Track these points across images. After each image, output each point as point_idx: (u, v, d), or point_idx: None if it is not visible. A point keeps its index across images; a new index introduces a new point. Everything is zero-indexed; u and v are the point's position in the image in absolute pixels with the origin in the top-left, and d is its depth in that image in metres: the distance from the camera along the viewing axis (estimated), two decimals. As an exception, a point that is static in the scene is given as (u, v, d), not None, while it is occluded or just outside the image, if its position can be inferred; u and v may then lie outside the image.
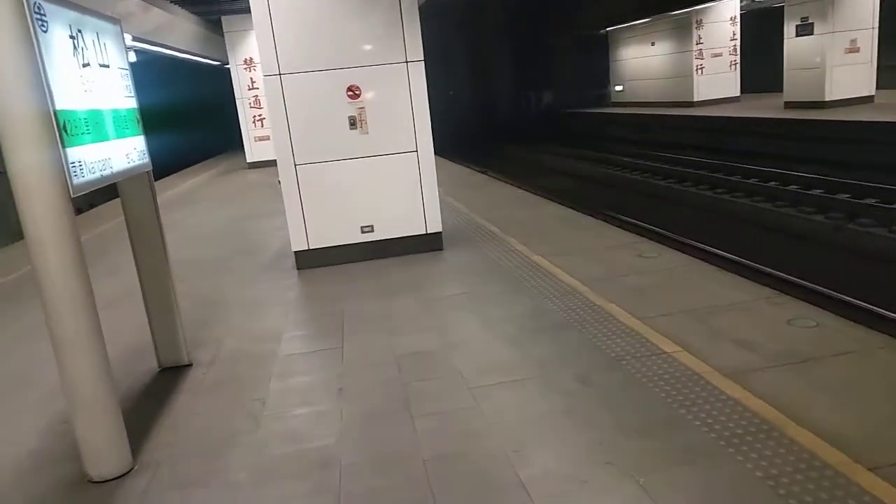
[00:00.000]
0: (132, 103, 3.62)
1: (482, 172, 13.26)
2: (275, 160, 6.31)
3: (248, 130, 16.98)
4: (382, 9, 6.00)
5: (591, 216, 8.01)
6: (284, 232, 6.75)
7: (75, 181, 2.75)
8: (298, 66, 5.96)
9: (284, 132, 6.03)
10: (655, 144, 17.63)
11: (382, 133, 6.19)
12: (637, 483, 2.60)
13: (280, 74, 5.92)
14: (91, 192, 2.97)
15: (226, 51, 16.51)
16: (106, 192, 3.30)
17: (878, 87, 16.44)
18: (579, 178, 15.55)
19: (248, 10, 5.99)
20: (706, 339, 3.90)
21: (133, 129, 3.58)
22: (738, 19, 21.30)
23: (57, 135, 2.66)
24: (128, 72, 3.60)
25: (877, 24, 15.90)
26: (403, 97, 6.16)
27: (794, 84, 16.77)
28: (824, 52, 15.86)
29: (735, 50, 21.47)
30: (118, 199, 3.99)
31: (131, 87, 3.62)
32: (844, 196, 9.83)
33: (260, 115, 16.70)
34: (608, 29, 25.91)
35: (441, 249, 6.55)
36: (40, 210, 2.68)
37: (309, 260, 6.33)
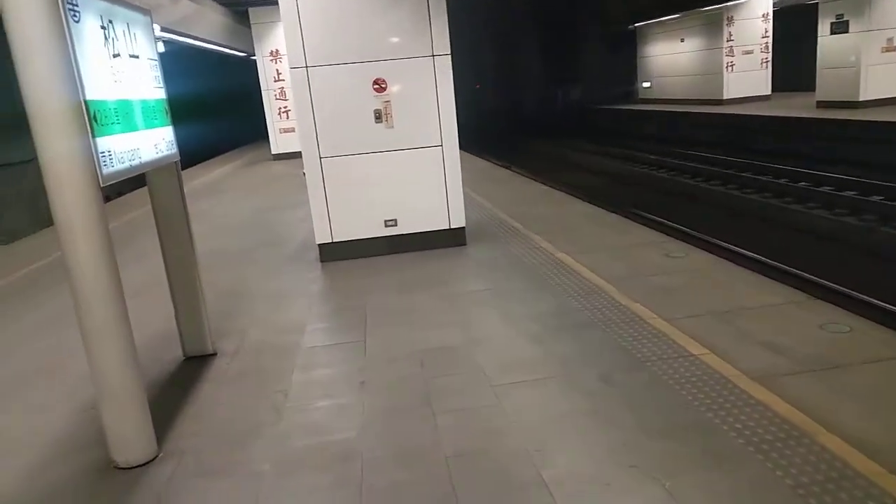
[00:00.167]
0: (161, 94, 3.65)
1: (505, 167, 13.19)
2: (299, 152, 6.33)
3: (273, 122, 17.10)
4: (410, 2, 5.97)
5: (617, 214, 7.91)
6: (308, 224, 6.78)
7: (105, 171, 2.78)
8: (325, 59, 5.96)
9: (310, 125, 6.05)
10: (684, 142, 17.38)
11: (408, 127, 6.17)
12: (662, 486, 2.55)
13: (307, 67, 5.93)
14: (119, 181, 2.99)
15: (252, 42, 16.61)
16: (133, 180, 3.32)
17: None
18: (606, 175, 15.40)
19: (275, 2, 6.01)
20: (734, 342, 3.82)
21: (162, 120, 3.60)
22: (770, 16, 20.88)
23: (87, 125, 2.68)
24: (157, 62, 3.62)
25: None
26: (429, 91, 6.14)
27: (827, 83, 16.39)
28: (859, 50, 15.48)
29: (766, 47, 21.05)
30: (145, 188, 4.02)
31: (160, 78, 3.65)
32: (878, 198, 9.61)
33: (285, 107, 16.80)
34: (637, 24, 25.58)
35: (464, 245, 6.53)
36: (71, 199, 2.70)
37: (332, 253, 6.35)
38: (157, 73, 3.61)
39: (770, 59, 21.12)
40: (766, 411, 3.02)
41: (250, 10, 15.97)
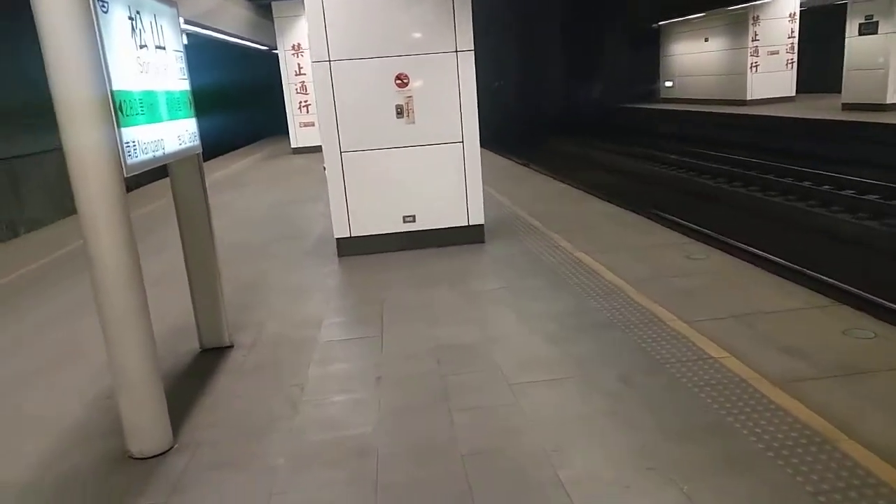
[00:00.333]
0: (185, 85, 3.66)
1: (524, 165, 13.13)
2: (319, 146, 6.34)
3: (293, 116, 17.14)
4: (434, -3, 5.95)
5: (637, 213, 7.84)
6: (327, 218, 6.79)
7: (129, 161, 2.79)
8: (348, 53, 5.95)
9: (331, 119, 6.05)
10: (706, 142, 17.19)
11: (429, 123, 6.15)
12: (680, 490, 2.52)
13: (329, 61, 5.93)
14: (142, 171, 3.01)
15: (275, 36, 16.67)
16: (154, 172, 3.33)
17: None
18: (626, 174, 15.28)
19: (299, -3, 6.01)
20: (755, 346, 3.76)
21: (185, 112, 3.62)
22: (797, 16, 20.56)
23: (113, 115, 2.69)
24: (182, 54, 3.63)
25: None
26: (452, 87, 6.11)
27: (854, 85, 16.13)
28: (889, 52, 15.21)
29: (792, 48, 20.73)
30: (165, 180, 4.04)
31: (185, 70, 3.66)
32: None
33: (306, 101, 16.85)
34: (661, 23, 25.33)
35: (482, 242, 6.50)
36: (94, 188, 2.72)
37: (350, 247, 6.35)
38: (183, 64, 3.62)
39: (795, 59, 20.81)
40: (787, 416, 2.98)
41: (273, 3, 16.02)
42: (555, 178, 10.99)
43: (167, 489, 2.79)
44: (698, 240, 6.49)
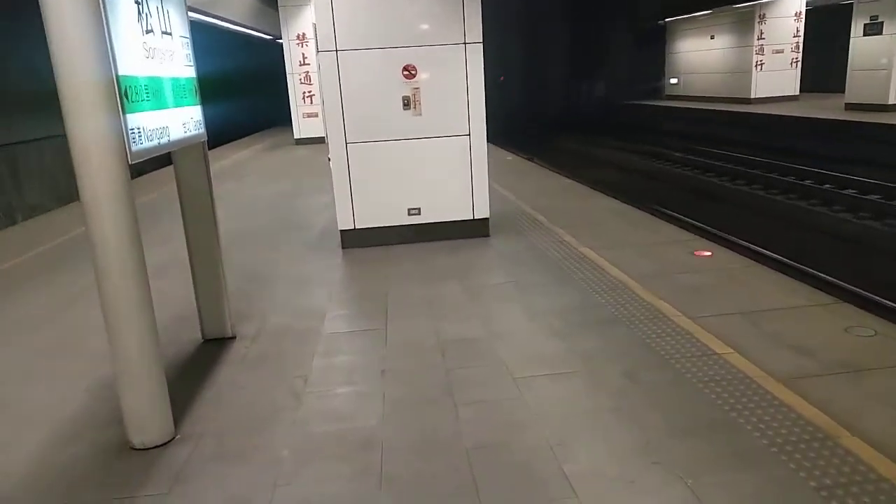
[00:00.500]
0: (191, 72, 3.62)
1: (528, 159, 13.09)
2: (322, 137, 6.30)
3: (297, 106, 17.06)
4: (443, -12, 5.89)
5: (642, 210, 7.81)
6: (330, 210, 6.76)
7: (134, 148, 2.76)
8: (356, 43, 5.90)
9: (337, 109, 6.00)
10: (710, 140, 17.15)
11: (436, 115, 6.11)
12: (685, 485, 2.53)
13: (337, 50, 5.88)
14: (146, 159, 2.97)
15: (279, 25, 16.59)
16: (155, 160, 3.29)
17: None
18: (629, 171, 15.24)
19: (306, -15, 5.96)
20: (759, 343, 3.79)
21: (191, 99, 3.58)
22: (802, 15, 20.50)
23: (118, 101, 2.65)
24: (188, 40, 3.59)
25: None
26: (459, 79, 6.07)
27: (857, 85, 16.17)
28: (892, 53, 15.19)
29: (797, 47, 20.72)
30: (167, 168, 4.00)
31: (191, 56, 3.62)
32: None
33: (310, 92, 16.78)
34: (667, 20, 25.23)
35: (487, 236, 6.47)
36: (98, 175, 2.68)
37: (354, 239, 6.32)
38: (189, 51, 3.58)
39: (800, 58, 20.77)
40: (791, 412, 3.00)
41: (279, -8, 15.96)
42: (559, 174, 10.95)
43: (169, 480, 2.76)
44: (703, 237, 6.48)
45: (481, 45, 6.03)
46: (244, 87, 23.38)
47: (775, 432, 2.84)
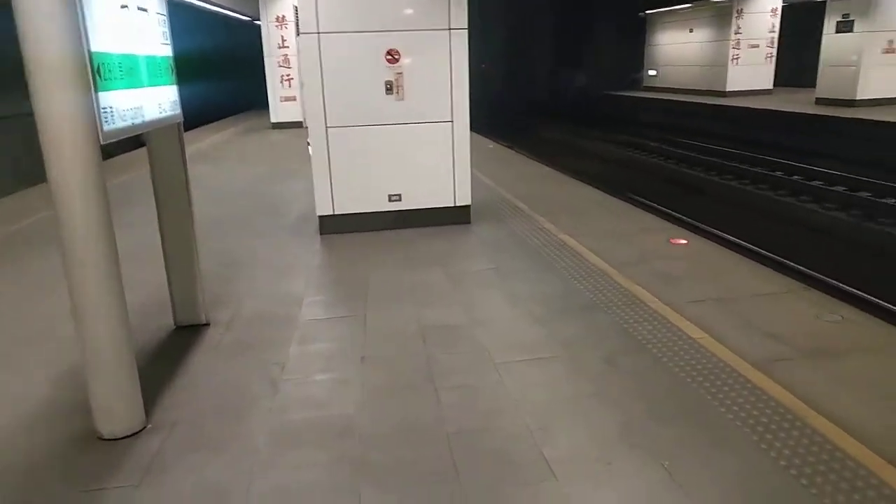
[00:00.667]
0: (168, 51, 3.51)
1: (509, 147, 13.08)
2: (300, 122, 6.21)
3: (274, 90, 16.78)
4: (429, -27, 5.80)
5: (621, 199, 7.86)
6: (307, 195, 6.66)
7: (106, 128, 2.65)
8: (338, 26, 5.78)
9: (318, 93, 5.89)
10: (685, 131, 17.31)
11: (419, 100, 6.03)
12: (662, 466, 2.58)
13: (319, 33, 5.76)
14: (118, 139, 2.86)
15: (258, 7, 16.29)
16: (125, 142, 3.19)
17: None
18: (607, 160, 15.34)
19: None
20: (733, 328, 3.89)
21: (167, 78, 3.47)
22: (779, 11, 20.80)
23: (90, 78, 2.55)
24: (165, 17, 3.48)
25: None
26: (443, 65, 5.99)
27: (828, 80, 16.60)
28: (862, 50, 15.57)
29: (772, 42, 21.09)
30: (136, 151, 3.88)
31: (168, 34, 3.51)
32: (865, 194, 9.75)
33: (288, 75, 16.52)
34: (648, 12, 25.34)
35: (468, 223, 6.43)
36: (68, 155, 2.57)
37: (333, 225, 6.24)
38: (165, 28, 3.47)
39: (775, 54, 21.11)
40: (763, 395, 3.10)
41: (258, -27, 15.65)
42: (540, 162, 10.96)
43: (140, 471, 2.67)
44: (680, 225, 6.57)
45: (466, 31, 5.96)
46: (221, 68, 22.97)
47: (748, 414, 2.94)
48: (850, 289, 6.12)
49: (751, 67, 21.09)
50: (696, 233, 6.25)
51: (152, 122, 3.22)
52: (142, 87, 3.09)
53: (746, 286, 4.60)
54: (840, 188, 10.27)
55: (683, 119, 19.36)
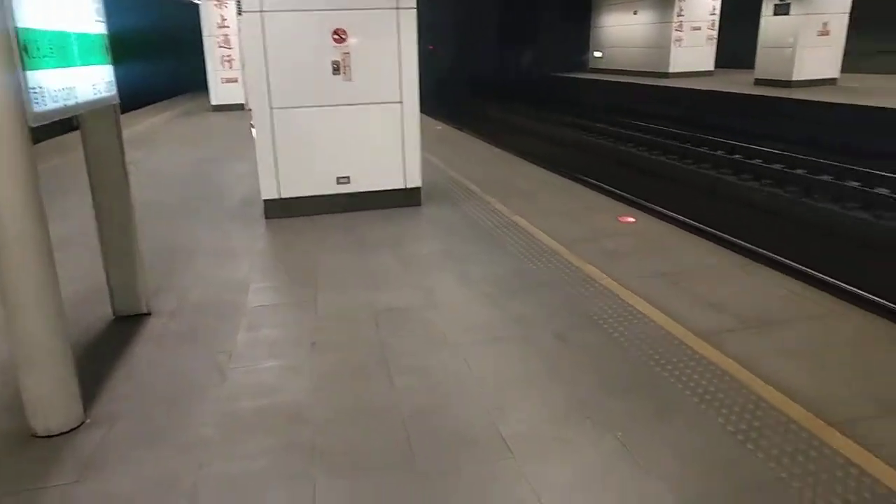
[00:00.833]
0: (101, 28, 3.33)
1: (458, 129, 13.04)
2: (242, 104, 6.02)
3: (214, 71, 16.25)
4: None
5: (569, 178, 7.95)
6: (250, 178, 6.49)
7: (35, 109, 2.50)
8: (283, 4, 5.61)
9: (261, 74, 5.71)
10: (630, 112, 17.59)
11: (367, 81, 5.92)
12: (615, 437, 2.64)
13: (262, 11, 5.57)
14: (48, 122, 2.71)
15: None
16: (51, 127, 3.02)
17: (842, 71, 16.87)
18: (558, 142, 15.50)
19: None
20: (681, 302, 4.00)
21: (101, 57, 3.30)
22: (720, -6, 21.24)
23: (16, 56, 2.39)
24: (97, -8, 3.30)
25: (848, 10, 16.13)
26: (391, 45, 5.89)
27: (766, 62, 17.12)
28: (798, 32, 16.06)
29: (713, 25, 21.56)
30: (64, 136, 3.69)
31: (102, 11, 3.33)
32: (801, 171, 10.14)
33: (228, 56, 16.03)
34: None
35: (419, 205, 6.39)
36: (-7, 139, 2.42)
37: (279, 209, 6.09)
38: (99, 5, 3.29)
39: (716, 35, 21.57)
40: (710, 365, 3.21)
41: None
42: (489, 144, 10.97)
43: (78, 469, 2.54)
44: (628, 204, 6.68)
45: (415, 10, 5.87)
46: (157, 49, 22.10)
47: (696, 383, 3.04)
48: (794, 264, 6.36)
49: (693, 49, 21.53)
50: (643, 211, 6.38)
51: (86, 104, 3.07)
52: (74, 66, 2.93)
53: (694, 262, 4.74)
54: (778, 166, 10.63)
55: (628, 100, 19.65)
